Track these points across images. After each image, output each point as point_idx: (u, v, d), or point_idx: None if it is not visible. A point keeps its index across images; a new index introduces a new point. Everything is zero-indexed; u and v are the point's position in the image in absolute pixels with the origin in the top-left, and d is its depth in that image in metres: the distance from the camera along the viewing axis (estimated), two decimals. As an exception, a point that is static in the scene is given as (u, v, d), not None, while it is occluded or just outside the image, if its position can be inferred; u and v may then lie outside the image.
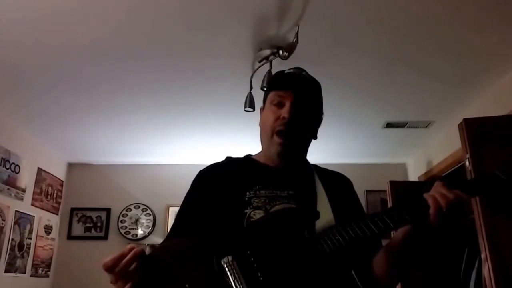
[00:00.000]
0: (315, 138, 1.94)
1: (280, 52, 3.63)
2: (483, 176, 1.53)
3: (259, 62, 3.82)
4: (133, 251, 1.48)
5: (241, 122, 5.11)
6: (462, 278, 4.71)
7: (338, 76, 4.22)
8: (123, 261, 1.46)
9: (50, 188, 6.34)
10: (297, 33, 3.42)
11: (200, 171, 1.93)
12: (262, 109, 1.91)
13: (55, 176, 6.51)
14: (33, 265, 5.88)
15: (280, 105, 1.77)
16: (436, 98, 4.66)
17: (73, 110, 5.02)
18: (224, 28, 3.50)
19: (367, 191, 6.67)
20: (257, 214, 1.67)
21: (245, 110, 3.93)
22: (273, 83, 1.93)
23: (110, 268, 1.46)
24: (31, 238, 5.85)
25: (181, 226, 1.82)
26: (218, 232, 1.65)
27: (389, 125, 5.37)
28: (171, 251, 1.63)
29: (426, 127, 5.40)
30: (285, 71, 1.89)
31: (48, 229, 6.28)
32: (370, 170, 6.74)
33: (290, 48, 3.56)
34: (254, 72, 3.89)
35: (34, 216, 5.92)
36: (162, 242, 1.85)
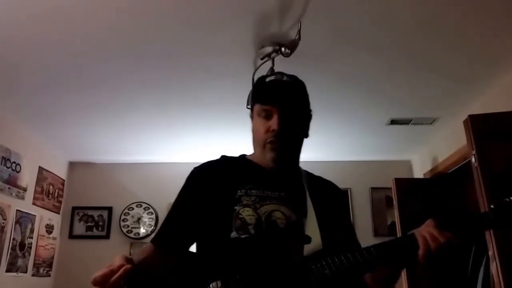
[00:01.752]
0: (307, 136, 1.99)
1: (282, 49, 3.60)
2: (478, 217, 1.56)
3: (261, 59, 3.79)
4: (122, 269, 1.51)
5: (243, 120, 5.05)
6: (470, 275, 4.69)
7: (341, 73, 4.18)
8: (112, 279, 1.50)
9: (51, 187, 6.31)
10: (299, 30, 3.38)
11: (195, 169, 1.96)
12: (251, 116, 1.98)
13: (56, 175, 6.48)
14: (34, 264, 5.86)
15: (267, 117, 1.84)
16: (441, 94, 4.61)
17: (75, 108, 4.99)
18: (225, 25, 3.47)
19: (372, 188, 6.66)
20: (246, 211, 1.74)
21: (247, 108, 3.89)
22: (257, 96, 1.95)
23: (99, 284, 1.51)
24: (32, 238, 5.82)
25: (174, 224, 1.87)
26: (208, 254, 1.75)
27: (393, 121, 5.32)
28: (160, 270, 1.67)
29: (431, 123, 5.36)
30: (266, 80, 1.92)
31: (49, 228, 6.25)
32: (374, 167, 6.74)
33: (292, 45, 3.53)
34: (256, 69, 3.86)
35: (35, 215, 5.89)
36: (157, 239, 1.85)
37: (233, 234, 1.70)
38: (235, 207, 1.75)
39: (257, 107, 1.89)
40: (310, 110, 2.00)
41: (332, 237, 1.73)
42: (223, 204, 1.77)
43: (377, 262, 1.57)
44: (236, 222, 1.72)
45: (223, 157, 2.03)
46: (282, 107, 1.82)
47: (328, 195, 1.97)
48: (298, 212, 1.78)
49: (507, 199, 1.47)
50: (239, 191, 1.79)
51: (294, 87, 1.92)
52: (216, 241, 1.76)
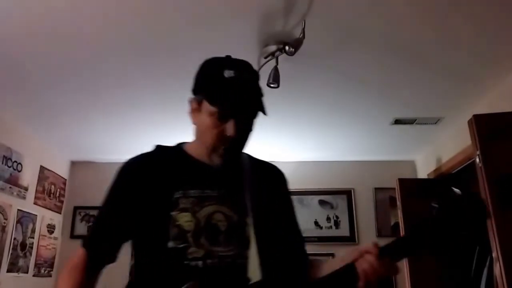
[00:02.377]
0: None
1: (287, 48, 3.59)
2: (414, 236, 1.54)
3: (265, 58, 3.77)
4: None
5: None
6: (473, 276, 4.68)
7: (345, 72, 4.16)
8: None
9: (52, 186, 6.30)
10: (303, 29, 3.37)
11: (127, 163, 1.83)
12: (195, 109, 1.75)
13: (58, 175, 6.47)
14: (35, 264, 5.85)
15: (221, 119, 1.63)
16: (445, 94, 4.59)
17: (76, 108, 4.99)
18: (229, 23, 3.46)
19: (375, 188, 6.65)
20: (184, 217, 1.61)
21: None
22: (211, 93, 1.67)
23: None
24: (33, 238, 5.81)
25: (107, 226, 1.76)
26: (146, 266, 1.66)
27: (397, 121, 5.30)
28: None
29: (435, 123, 5.33)
30: (225, 74, 1.64)
31: (50, 228, 6.24)
32: (378, 168, 6.73)
33: (296, 44, 3.52)
34: (260, 68, 3.83)
35: (36, 215, 5.88)
36: (88, 243, 1.76)
37: (170, 244, 1.59)
38: (172, 213, 1.62)
39: (209, 106, 1.65)
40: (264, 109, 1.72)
41: (269, 239, 1.67)
42: (158, 208, 1.65)
43: None
44: (173, 230, 1.60)
45: (159, 147, 1.87)
46: (242, 113, 1.66)
47: (269, 185, 1.85)
48: (240, 211, 1.68)
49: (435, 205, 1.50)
50: (176, 193, 1.65)
51: (255, 87, 1.71)
52: (153, 251, 1.65)
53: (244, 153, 1.83)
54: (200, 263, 1.57)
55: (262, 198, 1.73)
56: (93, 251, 1.73)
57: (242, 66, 1.73)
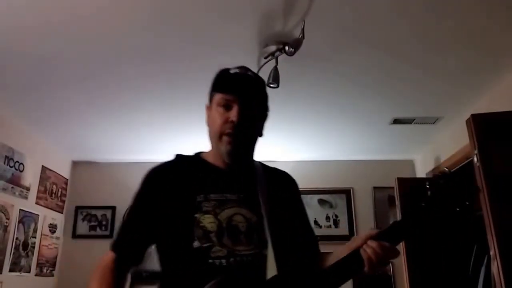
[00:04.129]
0: (262, 135, 1.96)
1: (286, 48, 3.60)
2: (402, 224, 1.69)
3: (265, 58, 3.79)
4: None
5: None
6: (471, 274, 4.69)
7: (345, 72, 4.18)
8: None
9: (54, 186, 6.31)
10: (303, 29, 3.39)
11: (151, 171, 1.96)
12: (208, 108, 1.95)
13: (59, 174, 6.48)
14: (37, 264, 5.86)
15: (227, 107, 1.82)
16: (444, 94, 4.62)
17: (78, 108, 5.00)
18: (229, 24, 3.48)
19: (374, 187, 6.65)
20: (207, 219, 1.72)
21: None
22: (219, 84, 1.91)
23: None
24: (35, 237, 5.82)
25: (134, 230, 1.90)
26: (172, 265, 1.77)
27: (396, 121, 5.33)
28: None
29: (433, 123, 5.36)
30: (231, 71, 1.89)
31: (52, 228, 6.26)
32: (377, 167, 6.73)
33: (296, 44, 3.53)
34: (260, 68, 3.86)
35: (38, 215, 5.89)
36: (116, 246, 1.90)
37: (196, 244, 1.68)
38: (196, 215, 1.72)
39: (217, 96, 1.86)
40: (268, 110, 1.98)
41: (284, 239, 1.78)
42: (182, 211, 1.76)
43: (331, 283, 1.65)
44: (198, 231, 1.70)
45: (179, 156, 2.00)
46: (244, 99, 1.81)
47: (281, 190, 1.96)
48: (258, 213, 1.78)
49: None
50: (198, 197, 1.76)
51: (257, 83, 1.93)
52: (178, 251, 1.75)
53: (256, 161, 1.99)
54: (224, 261, 1.66)
55: (275, 201, 1.84)
56: (121, 253, 1.86)
57: (247, 68, 1.92)
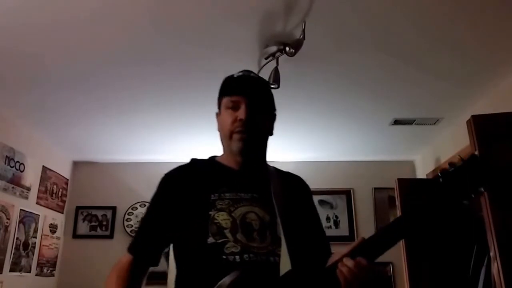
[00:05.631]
0: (272, 134, 2.03)
1: (287, 48, 3.60)
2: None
3: (266, 59, 3.79)
4: None
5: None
6: (471, 275, 4.68)
7: (345, 73, 4.19)
8: None
9: (55, 186, 6.32)
10: (303, 30, 3.39)
11: (167, 174, 2.01)
12: (218, 114, 2.02)
13: (60, 175, 6.49)
14: (38, 264, 5.86)
15: (235, 108, 1.89)
16: (444, 95, 4.61)
17: (79, 108, 5.01)
18: (229, 25, 3.48)
19: (374, 188, 6.65)
20: (221, 216, 1.76)
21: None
22: (225, 89, 1.98)
23: None
24: (36, 237, 5.83)
25: (150, 232, 1.94)
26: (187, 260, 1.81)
27: (397, 122, 5.33)
28: None
29: (434, 124, 5.36)
30: (235, 75, 1.97)
31: (53, 228, 6.26)
32: (377, 168, 6.72)
33: (296, 45, 3.54)
34: (260, 69, 3.86)
35: (39, 215, 5.90)
36: (134, 248, 1.93)
37: (210, 240, 1.72)
38: (210, 212, 1.77)
39: (225, 100, 1.94)
40: (274, 109, 2.06)
41: (297, 238, 1.79)
42: (197, 209, 1.80)
43: None
44: (212, 228, 1.74)
45: (193, 160, 2.06)
46: (250, 97, 1.88)
47: (294, 193, 1.99)
48: (271, 212, 1.82)
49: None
50: (212, 196, 1.81)
51: (261, 83, 2.02)
52: (193, 248, 1.79)
53: (270, 165, 2.04)
54: (237, 257, 1.69)
55: (288, 202, 1.87)
56: (138, 254, 1.91)
57: (250, 71, 2.01)
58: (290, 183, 2.03)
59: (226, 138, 1.91)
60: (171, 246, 1.92)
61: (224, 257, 1.69)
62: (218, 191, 1.83)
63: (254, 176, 1.92)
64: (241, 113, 1.84)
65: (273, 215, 1.80)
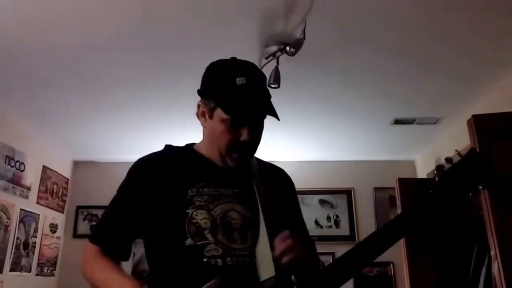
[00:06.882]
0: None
1: (287, 48, 3.61)
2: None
3: (266, 58, 3.79)
4: None
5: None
6: (472, 275, 4.68)
7: (346, 72, 4.19)
8: None
9: (55, 186, 6.32)
10: (304, 29, 3.39)
11: (139, 161, 1.86)
12: (207, 111, 1.78)
13: (60, 174, 6.49)
14: (38, 264, 5.87)
15: (235, 125, 1.69)
16: (445, 94, 4.61)
17: (79, 107, 5.01)
18: (230, 24, 3.48)
19: (375, 188, 6.66)
20: (200, 214, 1.63)
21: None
22: (225, 102, 1.70)
23: None
24: (36, 237, 5.83)
25: (116, 222, 1.78)
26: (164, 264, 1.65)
27: (397, 121, 5.33)
28: None
29: (435, 123, 5.36)
30: (237, 81, 1.68)
31: (53, 228, 6.27)
32: (378, 167, 6.73)
33: (297, 44, 3.54)
34: (261, 68, 3.85)
35: (39, 215, 5.90)
36: (97, 238, 1.79)
37: (188, 242, 1.59)
38: (187, 210, 1.63)
39: (223, 114, 1.69)
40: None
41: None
42: (173, 206, 1.66)
43: None
44: (190, 228, 1.61)
45: (168, 147, 1.92)
46: (255, 118, 1.72)
47: (278, 187, 1.88)
48: (253, 209, 1.70)
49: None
50: (190, 191, 1.67)
51: (266, 92, 1.78)
52: (169, 249, 1.65)
53: (254, 157, 1.88)
54: (219, 261, 1.57)
55: (271, 197, 1.75)
56: (104, 244, 1.74)
57: (251, 71, 1.76)
58: (273, 176, 1.92)
59: (219, 149, 1.74)
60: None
61: (205, 260, 1.57)
62: (195, 185, 1.68)
63: (236, 170, 1.76)
64: (244, 134, 1.67)
65: (256, 212, 1.69)
